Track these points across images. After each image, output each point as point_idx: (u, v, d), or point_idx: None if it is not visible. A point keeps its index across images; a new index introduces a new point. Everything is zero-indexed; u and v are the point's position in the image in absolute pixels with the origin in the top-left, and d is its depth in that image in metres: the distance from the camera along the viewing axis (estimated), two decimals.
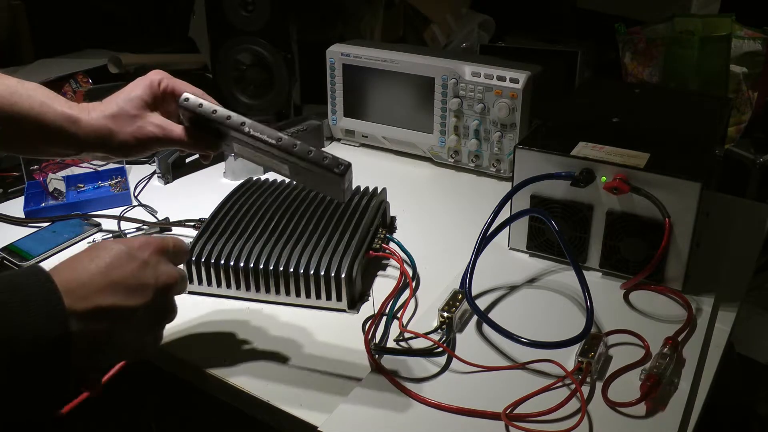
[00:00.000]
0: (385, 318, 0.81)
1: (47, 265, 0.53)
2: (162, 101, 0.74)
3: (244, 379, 0.73)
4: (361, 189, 1.01)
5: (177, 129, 0.73)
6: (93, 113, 0.70)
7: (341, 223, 0.91)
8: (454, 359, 0.75)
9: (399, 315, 0.82)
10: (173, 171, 1.18)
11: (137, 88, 0.72)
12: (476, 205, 1.09)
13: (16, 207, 1.08)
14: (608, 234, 0.87)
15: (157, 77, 0.73)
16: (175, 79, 0.74)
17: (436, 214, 1.08)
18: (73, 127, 0.69)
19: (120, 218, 1.01)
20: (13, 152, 0.74)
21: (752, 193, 1.64)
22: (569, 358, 0.72)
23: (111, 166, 1.20)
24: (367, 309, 0.84)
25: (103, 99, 0.72)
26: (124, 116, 0.71)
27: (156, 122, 0.72)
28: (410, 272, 0.90)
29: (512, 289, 0.88)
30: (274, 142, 0.69)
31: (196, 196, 1.13)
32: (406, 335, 0.78)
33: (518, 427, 0.65)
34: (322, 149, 0.71)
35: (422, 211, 1.08)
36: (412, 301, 0.85)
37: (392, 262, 0.92)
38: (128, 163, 1.19)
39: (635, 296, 0.86)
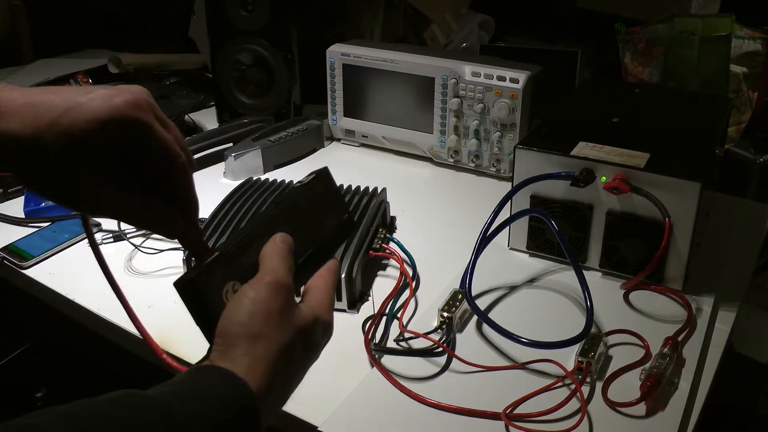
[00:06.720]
0: (385, 318, 0.81)
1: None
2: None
3: None
4: (361, 189, 1.01)
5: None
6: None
7: None
8: (454, 359, 0.75)
9: (399, 315, 0.82)
10: None
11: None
12: (476, 205, 1.09)
13: (16, 207, 1.08)
14: (608, 234, 0.87)
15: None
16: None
17: (436, 214, 1.08)
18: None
19: None
20: None
21: (752, 193, 1.64)
22: (569, 358, 0.72)
23: None
24: (367, 309, 0.84)
25: None
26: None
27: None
28: (410, 272, 0.90)
29: (512, 289, 0.88)
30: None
31: None
32: (406, 335, 0.78)
33: (518, 427, 0.65)
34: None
35: (422, 211, 1.08)
36: (412, 301, 0.85)
37: (392, 262, 0.92)
38: None
39: (635, 296, 0.86)
